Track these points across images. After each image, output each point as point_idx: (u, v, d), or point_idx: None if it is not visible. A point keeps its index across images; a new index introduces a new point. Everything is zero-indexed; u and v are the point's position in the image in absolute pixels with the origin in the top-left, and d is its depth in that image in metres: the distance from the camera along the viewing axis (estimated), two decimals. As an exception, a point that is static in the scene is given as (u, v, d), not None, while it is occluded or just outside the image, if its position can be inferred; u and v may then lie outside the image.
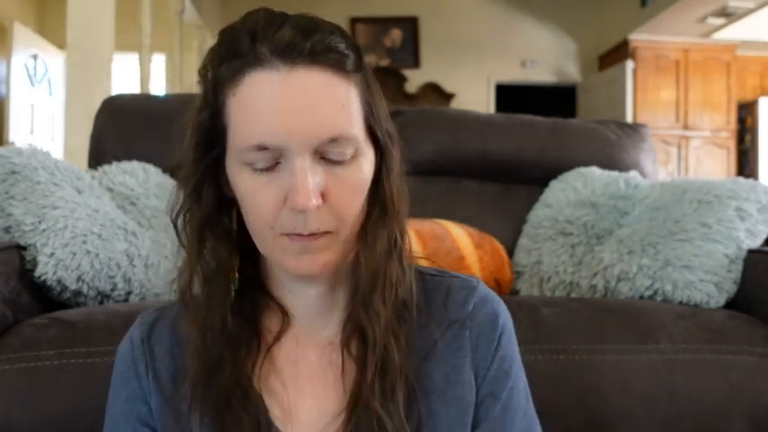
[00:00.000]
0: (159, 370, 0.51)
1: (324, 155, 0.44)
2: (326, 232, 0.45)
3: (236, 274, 0.50)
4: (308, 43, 0.43)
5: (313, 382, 0.50)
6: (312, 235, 0.44)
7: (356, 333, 0.49)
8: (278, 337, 0.51)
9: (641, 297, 1.06)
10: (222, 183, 0.48)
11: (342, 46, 0.44)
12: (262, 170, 0.44)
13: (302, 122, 0.43)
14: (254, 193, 0.45)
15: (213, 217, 0.49)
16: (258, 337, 0.51)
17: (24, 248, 0.90)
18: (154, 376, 0.51)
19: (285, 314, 0.52)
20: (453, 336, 0.51)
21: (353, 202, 0.46)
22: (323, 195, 0.44)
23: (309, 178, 0.43)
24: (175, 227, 0.50)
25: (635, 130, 1.52)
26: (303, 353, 0.51)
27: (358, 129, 0.46)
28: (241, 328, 0.50)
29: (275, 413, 0.49)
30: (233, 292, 0.49)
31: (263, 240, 0.47)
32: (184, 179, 0.48)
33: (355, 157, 0.46)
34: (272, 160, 0.44)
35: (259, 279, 0.53)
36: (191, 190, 0.48)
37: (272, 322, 0.52)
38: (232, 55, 0.44)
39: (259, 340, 0.51)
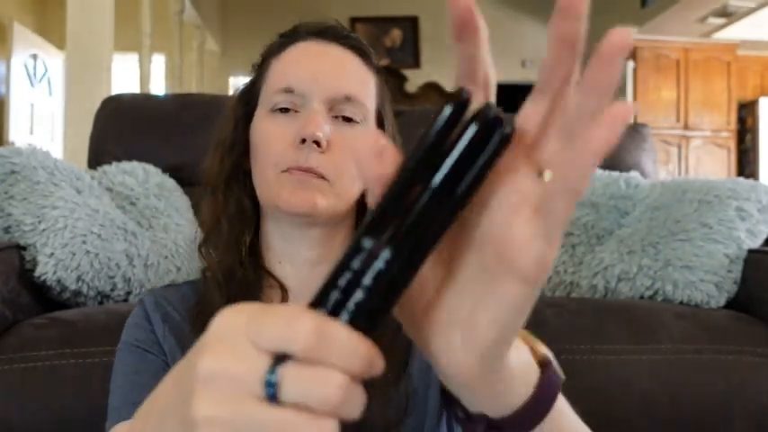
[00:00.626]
0: (173, 320, 0.54)
1: (338, 113, 0.51)
2: (322, 177, 0.50)
3: (254, 228, 0.55)
4: (344, 32, 0.54)
5: None
6: (310, 171, 0.49)
7: None
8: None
9: (641, 297, 1.06)
10: (248, 151, 0.54)
11: (368, 48, 0.55)
12: (283, 111, 0.51)
13: (326, 75, 0.51)
14: (271, 131, 0.51)
15: (239, 168, 0.55)
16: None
17: (24, 248, 0.90)
18: (169, 325, 0.53)
19: (284, 291, 0.54)
20: None
21: (352, 162, 0.52)
22: (328, 144, 0.50)
23: (321, 117, 0.50)
24: (205, 180, 0.55)
25: (635, 129, 1.52)
26: None
27: (371, 105, 0.53)
28: (247, 288, 0.53)
29: None
30: (250, 240, 0.54)
31: (266, 179, 0.51)
32: (221, 139, 0.55)
33: (362, 124, 0.52)
34: (294, 105, 0.51)
35: (260, 260, 0.56)
36: (227, 144, 0.54)
37: (272, 297, 0.55)
38: (283, 36, 0.55)
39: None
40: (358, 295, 0.20)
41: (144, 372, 0.51)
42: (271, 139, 0.51)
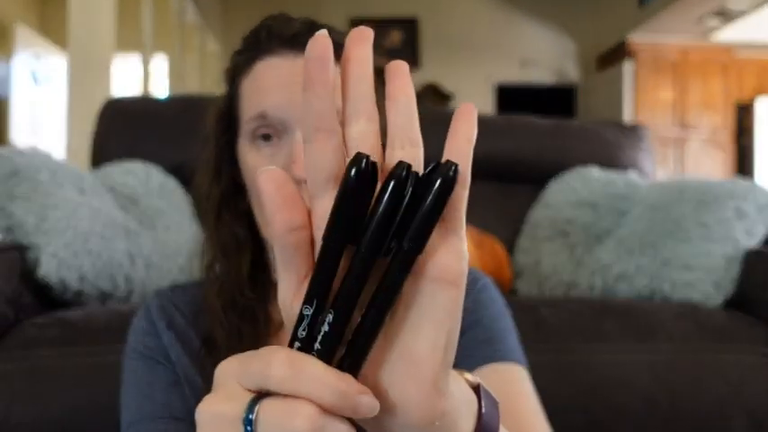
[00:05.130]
0: (179, 326, 0.53)
1: None
2: None
3: (250, 255, 0.53)
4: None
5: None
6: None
7: None
8: (283, 323, 0.53)
9: (640, 297, 1.06)
10: (236, 171, 0.52)
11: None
12: (266, 140, 0.48)
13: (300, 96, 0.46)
14: (259, 165, 0.49)
15: (230, 197, 0.53)
16: (268, 321, 0.53)
17: (26, 248, 0.90)
18: (175, 332, 0.53)
19: None
20: None
21: None
22: None
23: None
24: (198, 206, 0.54)
25: (634, 130, 1.52)
26: None
27: None
28: (256, 306, 0.52)
29: None
30: (248, 269, 0.52)
31: (265, 217, 0.49)
32: (206, 161, 0.53)
33: None
34: (274, 131, 0.48)
35: (265, 266, 0.55)
36: (212, 170, 0.52)
37: (277, 310, 0.54)
38: (248, 47, 0.51)
39: (268, 321, 0.53)
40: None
41: (156, 384, 0.51)
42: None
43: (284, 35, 0.49)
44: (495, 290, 0.58)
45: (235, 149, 0.52)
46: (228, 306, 0.51)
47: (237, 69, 0.51)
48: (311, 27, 0.50)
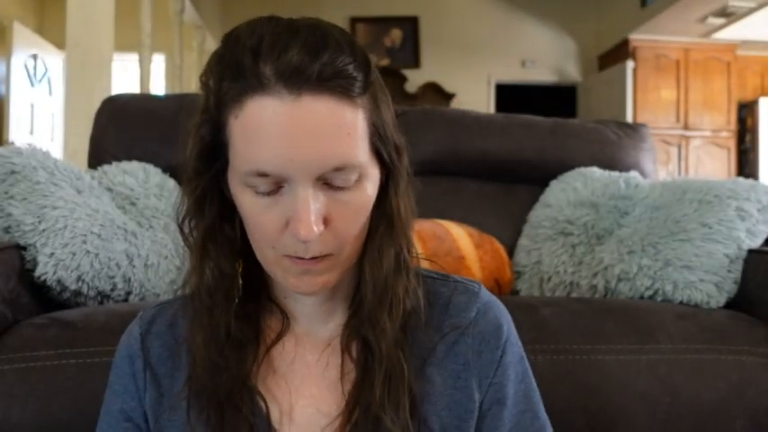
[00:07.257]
0: (156, 366, 0.52)
1: (327, 181, 0.43)
2: (328, 255, 0.45)
3: (240, 280, 0.50)
4: (315, 67, 0.41)
5: (309, 383, 0.51)
6: (314, 259, 0.45)
7: (357, 336, 0.50)
8: (278, 338, 0.52)
9: (641, 297, 1.06)
10: (225, 190, 0.48)
11: (350, 67, 0.42)
12: (264, 194, 0.44)
13: (305, 152, 0.41)
14: (256, 214, 0.44)
15: (216, 229, 0.49)
16: (258, 337, 0.52)
17: (24, 248, 0.90)
18: (150, 372, 0.52)
19: (285, 317, 0.52)
20: (454, 341, 0.51)
21: (356, 224, 0.46)
22: (325, 220, 0.44)
23: (312, 207, 0.42)
24: (182, 233, 0.50)
25: (635, 129, 1.52)
26: (301, 353, 0.52)
27: (363, 153, 0.44)
28: (243, 330, 0.50)
29: (272, 412, 0.50)
30: (236, 299, 0.49)
31: (265, 257, 0.47)
32: (187, 189, 0.48)
33: (359, 181, 0.45)
34: (274, 185, 0.43)
35: (262, 280, 0.53)
36: (194, 201, 0.48)
37: (272, 323, 0.53)
38: (235, 74, 0.42)
39: (258, 340, 0.52)
40: None
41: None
42: (259, 221, 0.44)
43: (281, 68, 0.41)
44: (514, 330, 0.54)
45: (223, 177, 0.47)
46: (212, 342, 0.49)
47: (223, 99, 0.43)
48: (312, 51, 0.41)
